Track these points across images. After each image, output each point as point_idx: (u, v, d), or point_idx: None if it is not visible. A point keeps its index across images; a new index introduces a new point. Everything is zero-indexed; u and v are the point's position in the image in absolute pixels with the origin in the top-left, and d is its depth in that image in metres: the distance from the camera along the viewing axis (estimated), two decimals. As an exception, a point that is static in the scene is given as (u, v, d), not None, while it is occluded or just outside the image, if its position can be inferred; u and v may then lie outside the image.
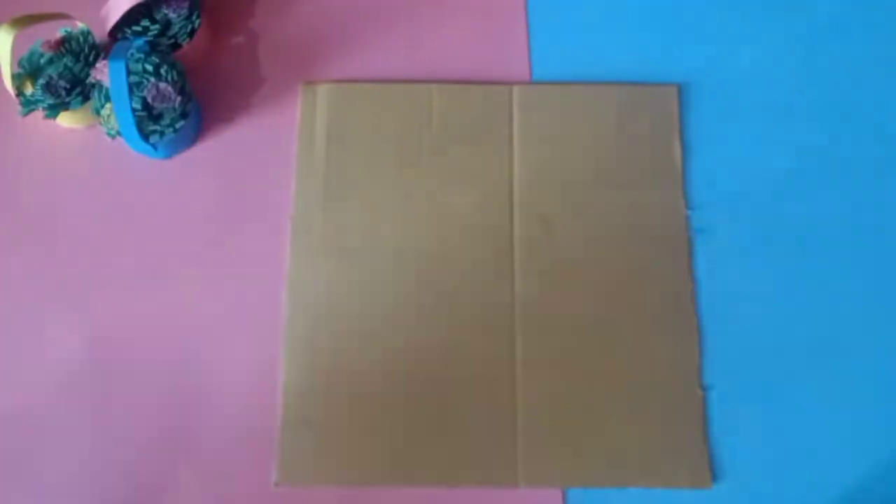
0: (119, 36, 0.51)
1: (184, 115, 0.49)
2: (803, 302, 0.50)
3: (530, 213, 0.51)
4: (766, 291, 0.50)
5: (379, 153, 0.52)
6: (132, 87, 0.48)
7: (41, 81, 0.49)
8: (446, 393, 0.48)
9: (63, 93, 0.49)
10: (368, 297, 0.49)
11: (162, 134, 0.48)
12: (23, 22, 0.48)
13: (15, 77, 0.50)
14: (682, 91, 0.53)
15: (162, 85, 0.48)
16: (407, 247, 0.50)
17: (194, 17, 0.52)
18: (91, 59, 0.51)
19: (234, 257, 0.51)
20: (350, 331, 0.49)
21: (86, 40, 0.51)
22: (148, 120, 0.48)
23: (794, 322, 0.50)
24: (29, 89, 0.50)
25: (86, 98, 0.50)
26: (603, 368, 0.48)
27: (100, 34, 0.51)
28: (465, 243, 0.50)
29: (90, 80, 0.50)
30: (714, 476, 0.47)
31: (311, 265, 0.50)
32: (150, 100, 0.48)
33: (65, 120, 0.52)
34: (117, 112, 0.47)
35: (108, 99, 0.49)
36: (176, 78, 0.49)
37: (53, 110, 0.49)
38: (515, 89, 0.53)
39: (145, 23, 0.51)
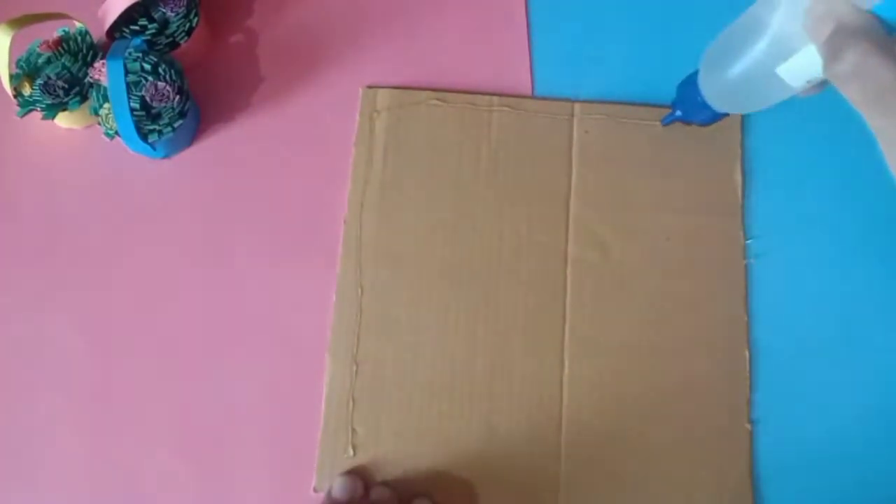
0: (117, 35, 0.51)
1: (182, 115, 0.49)
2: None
3: (586, 233, 0.50)
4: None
5: (436, 163, 0.51)
6: (130, 87, 0.48)
7: (39, 82, 0.49)
8: (492, 410, 0.47)
9: (61, 93, 0.49)
10: (417, 308, 0.49)
11: (160, 133, 0.48)
12: (20, 22, 0.48)
13: (13, 77, 0.50)
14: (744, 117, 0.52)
15: (160, 84, 0.48)
16: (460, 259, 0.49)
17: (192, 16, 0.52)
18: (89, 58, 0.50)
19: (235, 256, 0.50)
20: (398, 340, 0.48)
21: (84, 40, 0.51)
22: (146, 119, 0.48)
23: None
24: (27, 90, 0.50)
25: (84, 98, 0.50)
26: (650, 395, 0.47)
27: (98, 34, 0.51)
28: (518, 260, 0.49)
29: (88, 79, 0.49)
30: None
31: (361, 272, 0.49)
32: (148, 99, 0.48)
33: (63, 120, 0.52)
34: (115, 112, 0.47)
35: (106, 99, 0.48)
36: (174, 77, 0.49)
37: (51, 111, 0.49)
38: (577, 106, 0.53)
39: (143, 21, 0.51)
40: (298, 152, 0.53)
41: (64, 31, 0.51)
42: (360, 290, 0.49)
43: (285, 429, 0.47)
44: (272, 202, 0.51)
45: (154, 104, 0.48)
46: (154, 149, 0.50)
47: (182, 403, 0.48)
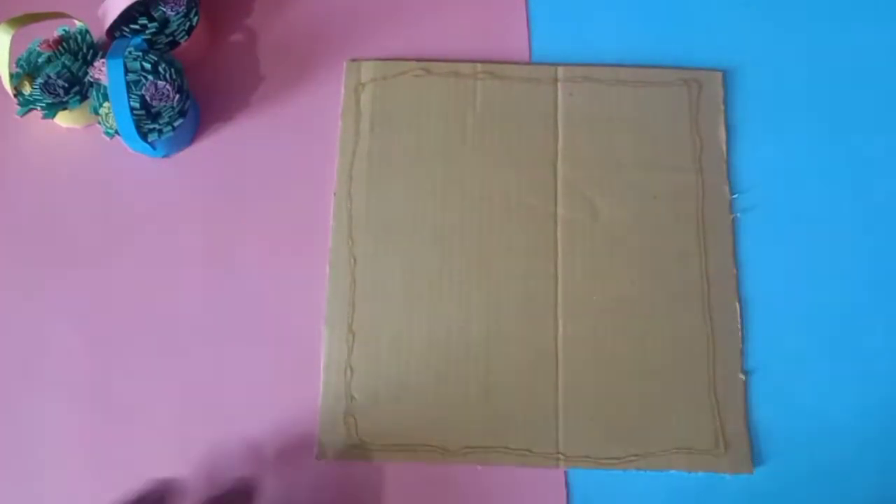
0: (117, 34, 0.51)
1: (182, 114, 0.49)
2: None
3: (574, 194, 0.51)
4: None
5: (423, 132, 0.52)
6: (130, 86, 0.48)
7: (39, 81, 0.49)
8: (488, 372, 0.48)
9: (61, 92, 0.49)
10: (411, 275, 0.49)
11: (160, 132, 0.48)
12: (21, 21, 0.48)
13: (13, 77, 0.50)
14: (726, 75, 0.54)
15: (160, 83, 0.48)
16: (450, 225, 0.50)
17: (192, 15, 0.52)
18: (89, 57, 0.50)
19: (234, 254, 0.51)
20: (393, 308, 0.49)
21: (84, 39, 0.51)
22: (146, 118, 0.48)
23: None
24: (27, 89, 0.50)
25: (84, 97, 0.50)
26: (644, 351, 0.48)
27: (98, 33, 0.51)
28: (509, 224, 0.50)
29: (88, 78, 0.49)
30: (754, 461, 0.47)
31: (353, 242, 0.50)
32: (148, 98, 0.48)
33: (63, 119, 0.52)
34: (115, 111, 0.47)
35: (106, 98, 0.48)
36: (174, 76, 0.49)
37: (51, 110, 0.49)
38: (560, 69, 0.53)
39: (143, 21, 0.51)
40: (298, 150, 0.53)
41: (64, 30, 0.51)
42: (352, 261, 0.50)
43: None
44: (271, 200, 0.51)
45: (154, 103, 0.48)
46: (154, 148, 0.50)
47: (183, 389, 0.48)
